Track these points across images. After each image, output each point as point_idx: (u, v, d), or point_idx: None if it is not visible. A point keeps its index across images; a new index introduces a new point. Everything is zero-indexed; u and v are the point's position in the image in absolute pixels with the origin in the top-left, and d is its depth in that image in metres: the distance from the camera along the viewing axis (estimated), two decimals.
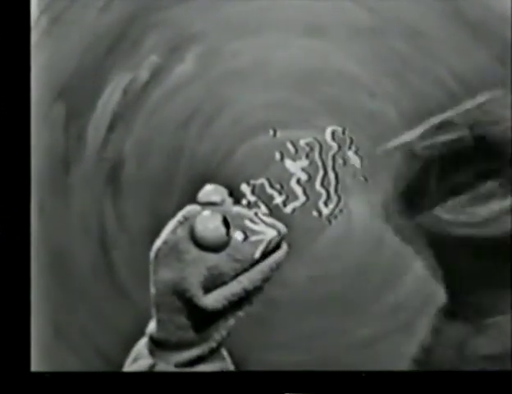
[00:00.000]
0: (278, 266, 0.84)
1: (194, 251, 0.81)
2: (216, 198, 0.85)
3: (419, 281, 1.28)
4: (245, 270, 0.82)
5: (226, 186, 0.88)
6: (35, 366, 1.23)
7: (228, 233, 0.81)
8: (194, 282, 0.81)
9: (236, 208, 0.85)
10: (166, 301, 0.83)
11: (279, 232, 0.84)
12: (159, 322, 0.83)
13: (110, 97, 1.34)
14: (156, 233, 0.86)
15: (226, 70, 1.33)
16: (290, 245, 0.85)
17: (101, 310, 1.30)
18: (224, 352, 0.87)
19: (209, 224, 0.81)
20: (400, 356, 1.28)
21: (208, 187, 0.87)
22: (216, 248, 0.81)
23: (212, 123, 1.33)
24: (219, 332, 0.84)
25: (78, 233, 1.34)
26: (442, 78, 1.30)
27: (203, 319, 0.83)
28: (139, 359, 0.85)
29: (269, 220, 0.84)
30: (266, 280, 0.83)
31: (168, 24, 1.33)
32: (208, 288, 0.82)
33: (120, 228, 1.34)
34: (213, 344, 0.84)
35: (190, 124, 1.34)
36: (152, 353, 0.84)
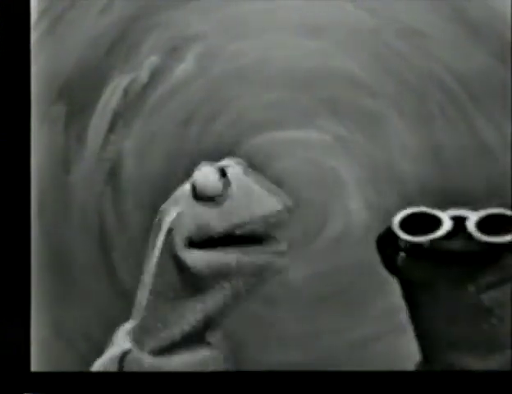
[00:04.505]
0: (274, 270, 0.83)
1: (187, 201, 0.81)
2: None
3: None
4: (232, 235, 0.81)
5: None
6: (35, 366, 1.23)
7: (225, 187, 0.81)
8: (181, 233, 0.80)
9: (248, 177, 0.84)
10: (161, 271, 0.82)
11: (285, 205, 0.83)
12: (141, 286, 0.83)
13: (110, 97, 1.34)
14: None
15: (226, 70, 1.33)
16: (290, 245, 0.85)
17: (101, 310, 1.30)
18: (212, 338, 0.85)
19: (208, 173, 0.81)
20: (400, 356, 1.28)
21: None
22: (209, 199, 0.80)
23: (211, 123, 1.33)
24: (194, 315, 0.82)
25: (78, 233, 1.34)
26: (442, 78, 1.31)
27: (181, 292, 0.82)
28: (114, 345, 0.84)
29: (273, 187, 0.84)
30: (253, 274, 0.82)
31: (168, 24, 1.33)
32: (195, 244, 0.81)
33: (120, 228, 1.34)
34: (186, 327, 0.82)
35: (190, 124, 1.34)
36: (134, 336, 0.83)
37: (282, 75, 1.32)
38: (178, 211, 0.81)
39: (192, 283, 0.81)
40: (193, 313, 0.82)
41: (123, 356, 0.82)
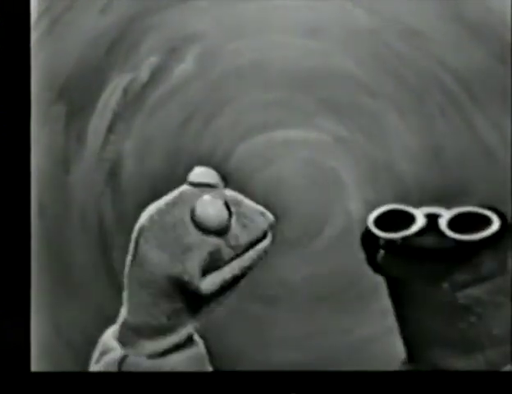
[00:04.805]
0: (265, 254, 0.84)
1: (195, 234, 0.81)
2: (210, 180, 0.85)
3: None
4: (237, 256, 0.82)
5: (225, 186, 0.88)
6: (35, 366, 1.23)
7: (230, 218, 0.81)
8: (194, 266, 0.80)
9: (230, 192, 0.84)
10: (154, 284, 0.81)
11: (269, 221, 0.84)
12: (141, 305, 0.82)
13: (110, 97, 1.34)
14: None
15: (226, 70, 1.33)
16: (274, 236, 0.85)
17: (101, 310, 1.30)
18: (196, 336, 0.85)
19: (213, 207, 0.81)
20: (399, 355, 1.28)
21: (199, 169, 0.87)
22: (219, 232, 0.80)
23: (211, 123, 1.33)
24: (199, 319, 0.83)
25: (78, 233, 1.34)
26: (442, 78, 1.31)
27: (189, 305, 0.82)
28: (107, 353, 0.84)
29: (258, 207, 0.84)
30: (251, 268, 0.83)
31: (168, 24, 1.33)
32: (204, 273, 0.81)
33: (119, 228, 1.34)
34: (191, 330, 0.83)
35: (190, 124, 1.34)
36: (123, 342, 0.83)
37: (282, 75, 1.32)
38: (189, 241, 0.81)
39: (200, 299, 0.81)
40: (199, 318, 0.83)
41: (121, 361, 0.82)
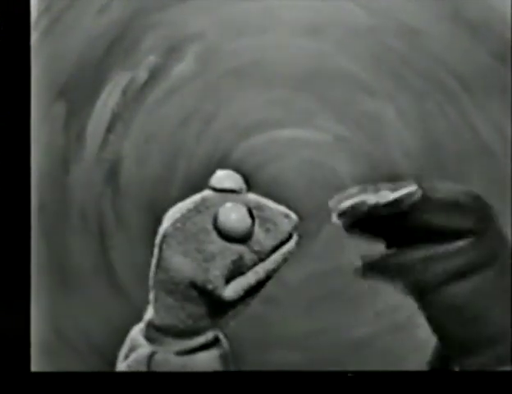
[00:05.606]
0: (290, 255, 0.84)
1: (218, 242, 0.80)
2: (233, 185, 0.84)
3: None
4: (261, 260, 0.81)
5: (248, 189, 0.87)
6: (35, 366, 1.23)
7: (253, 224, 0.80)
8: (218, 275, 0.79)
9: (252, 196, 0.84)
10: (179, 289, 0.81)
11: (293, 223, 0.84)
12: (168, 308, 0.82)
13: (109, 97, 1.34)
14: (155, 233, 0.85)
15: (225, 69, 1.33)
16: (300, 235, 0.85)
17: (100, 310, 1.31)
18: (221, 336, 0.85)
19: (236, 216, 0.80)
20: (399, 355, 1.28)
21: (221, 173, 0.86)
22: (242, 239, 0.80)
23: (210, 123, 1.33)
24: (226, 321, 0.83)
25: (77, 233, 1.35)
26: (441, 78, 1.31)
27: (215, 308, 0.82)
28: (136, 348, 0.84)
29: (282, 209, 0.84)
30: (277, 270, 0.83)
31: (167, 24, 1.33)
32: (227, 279, 0.81)
33: (119, 228, 1.34)
34: (217, 331, 0.83)
35: (189, 123, 1.34)
36: (150, 340, 0.83)
37: (282, 74, 1.32)
38: (212, 249, 0.80)
39: (226, 304, 0.81)
40: (226, 320, 0.83)
41: (150, 357, 0.82)
